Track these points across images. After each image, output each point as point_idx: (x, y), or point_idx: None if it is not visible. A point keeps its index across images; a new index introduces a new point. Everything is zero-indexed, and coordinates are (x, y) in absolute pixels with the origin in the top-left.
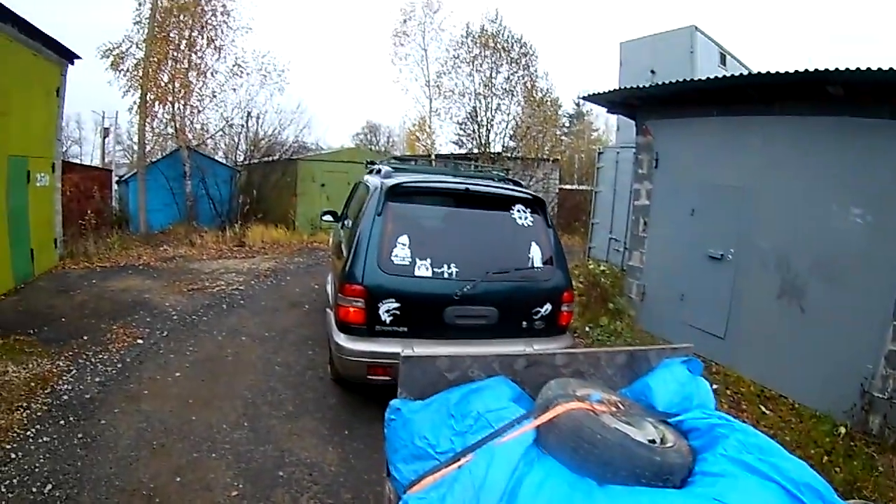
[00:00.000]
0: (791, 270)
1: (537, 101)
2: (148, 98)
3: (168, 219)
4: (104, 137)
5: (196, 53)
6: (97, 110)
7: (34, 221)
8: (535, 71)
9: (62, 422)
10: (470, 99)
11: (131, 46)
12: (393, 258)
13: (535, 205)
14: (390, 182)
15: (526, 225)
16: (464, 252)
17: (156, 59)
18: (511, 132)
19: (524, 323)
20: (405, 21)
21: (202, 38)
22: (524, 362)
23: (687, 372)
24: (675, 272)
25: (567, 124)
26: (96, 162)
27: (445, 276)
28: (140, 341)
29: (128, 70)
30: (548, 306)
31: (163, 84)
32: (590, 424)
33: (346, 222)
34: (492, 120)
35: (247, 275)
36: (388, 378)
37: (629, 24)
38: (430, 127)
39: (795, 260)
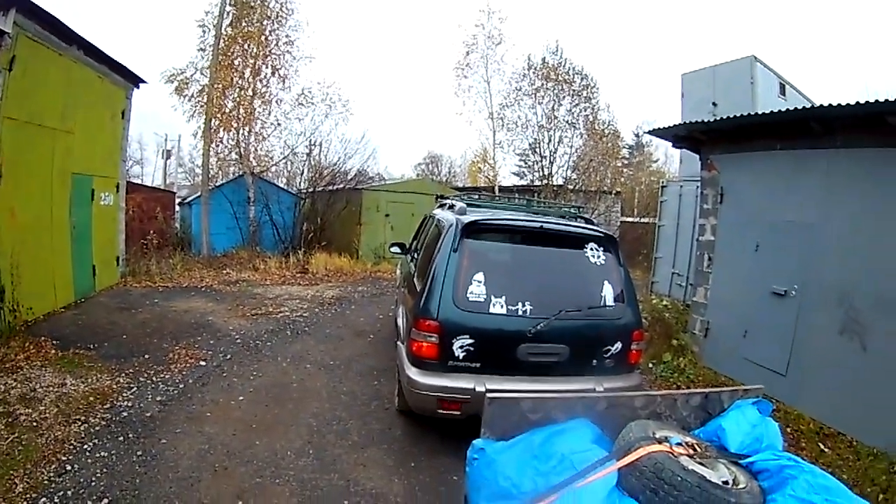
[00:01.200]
0: (853, 307)
1: (599, 134)
2: (212, 124)
3: (231, 243)
4: (166, 159)
5: (261, 81)
6: (160, 132)
7: (97, 239)
8: (597, 103)
9: (121, 438)
10: (532, 131)
11: (196, 73)
12: (468, 295)
13: (608, 243)
14: (466, 219)
15: (598, 263)
16: (538, 289)
17: (220, 86)
18: (573, 164)
19: (594, 361)
20: (468, 54)
21: (266, 67)
22: (605, 404)
23: (758, 413)
24: (738, 308)
25: (626, 155)
26: (157, 183)
27: (519, 313)
28: (203, 363)
29: (192, 96)
30: (618, 345)
31: (227, 111)
32: (670, 466)
33: (415, 255)
34: (554, 152)
35: (311, 302)
36: (458, 413)
37: (689, 54)
38: (493, 158)
39: (858, 296)
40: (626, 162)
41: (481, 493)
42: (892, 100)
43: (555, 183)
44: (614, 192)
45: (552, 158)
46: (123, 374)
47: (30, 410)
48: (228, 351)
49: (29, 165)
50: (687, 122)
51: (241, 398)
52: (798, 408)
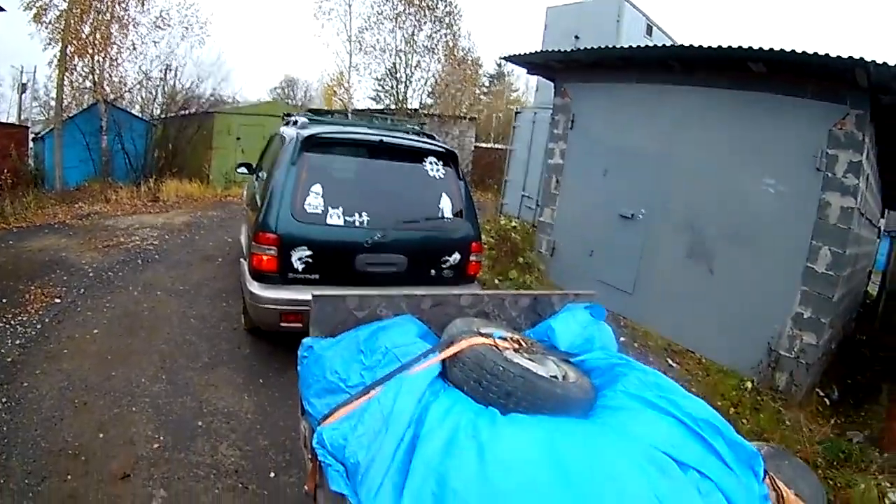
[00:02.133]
0: (701, 233)
1: (458, 60)
2: (68, 51)
3: (84, 175)
4: (21, 93)
5: (120, 5)
6: (16, 65)
7: None
8: (459, 30)
9: None
10: (391, 55)
11: None
12: (306, 207)
13: (447, 157)
14: (306, 133)
15: (437, 177)
16: (376, 202)
17: (79, 10)
18: (430, 89)
19: (433, 271)
20: None
21: None
22: (430, 302)
23: (589, 316)
24: (585, 229)
25: (487, 84)
26: (13, 119)
27: (357, 224)
28: (58, 300)
29: (50, 22)
30: (456, 256)
31: (84, 36)
32: (492, 358)
33: (260, 174)
34: (411, 76)
35: (161, 229)
36: (300, 325)
37: None
38: (348, 82)
39: (706, 224)
40: (486, 90)
41: (311, 389)
42: (759, 48)
43: (410, 107)
44: (469, 117)
45: (408, 83)
46: None
47: None
48: (82, 285)
49: None
50: (546, 49)
51: (95, 331)
52: (646, 326)
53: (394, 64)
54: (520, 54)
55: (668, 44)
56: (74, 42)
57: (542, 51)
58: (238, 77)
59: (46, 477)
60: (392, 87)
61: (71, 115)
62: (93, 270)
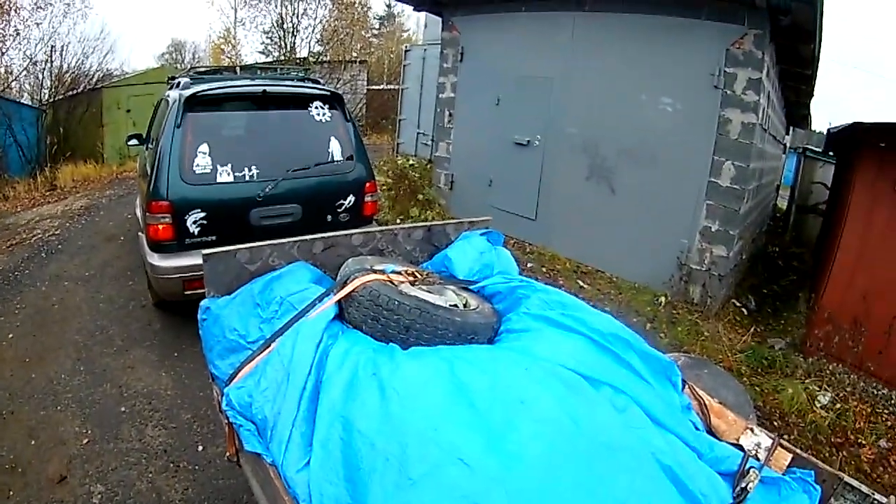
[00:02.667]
0: (600, 155)
1: (345, 4)
2: None
3: None
4: None
5: None
6: None
7: None
8: None
9: None
10: (276, 6)
11: None
12: (195, 168)
13: (333, 100)
14: (187, 93)
15: (324, 121)
16: (265, 153)
17: None
18: (318, 37)
19: (329, 217)
20: None
21: None
22: (322, 245)
23: (486, 242)
24: (482, 160)
25: (377, 27)
26: None
27: (247, 178)
28: None
29: None
30: (351, 198)
31: None
32: (387, 293)
33: (150, 143)
34: (297, 25)
35: (61, 218)
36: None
37: None
38: (235, 38)
39: (604, 145)
40: (376, 32)
41: (214, 351)
42: None
43: (299, 56)
44: (359, 61)
45: (294, 32)
46: None
47: None
48: None
49: None
50: None
51: (10, 335)
52: (553, 249)
53: (280, 14)
54: None
55: None
56: None
57: None
58: (124, 47)
59: None
60: (280, 39)
61: None
62: None
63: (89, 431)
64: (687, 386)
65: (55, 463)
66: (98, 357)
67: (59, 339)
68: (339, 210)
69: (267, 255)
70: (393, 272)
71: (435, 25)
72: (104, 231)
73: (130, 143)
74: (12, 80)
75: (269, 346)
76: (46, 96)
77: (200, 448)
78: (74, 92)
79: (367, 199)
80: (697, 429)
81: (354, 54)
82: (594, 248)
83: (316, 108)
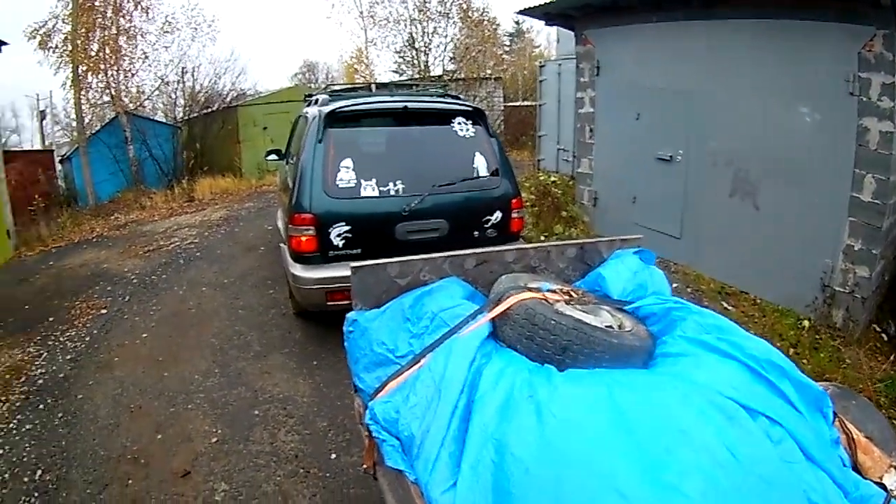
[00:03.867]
0: (742, 170)
1: (474, 21)
2: (80, 70)
3: (116, 187)
4: (41, 120)
5: (124, 17)
6: (30, 94)
7: None
8: None
9: (41, 406)
10: (405, 26)
11: (57, 22)
12: (338, 182)
13: (475, 116)
14: (327, 109)
15: (468, 136)
16: (409, 168)
17: (84, 31)
18: (450, 55)
19: (476, 232)
20: None
21: (128, 2)
22: (474, 261)
23: (639, 261)
24: (625, 176)
25: (508, 43)
26: (37, 146)
27: (392, 193)
28: (104, 311)
29: (56, 46)
30: (498, 214)
31: (93, 54)
32: (543, 312)
33: (290, 158)
34: (429, 44)
35: (199, 227)
36: (347, 302)
37: None
38: (367, 58)
39: (745, 159)
40: (507, 49)
41: (360, 364)
42: None
43: (433, 74)
44: (494, 77)
45: (427, 50)
46: (32, 344)
47: None
48: (126, 293)
49: None
50: None
51: (144, 335)
52: (697, 269)
53: (410, 34)
54: (534, 7)
55: None
56: (85, 61)
57: (552, 1)
58: (257, 68)
59: (108, 484)
60: (412, 58)
61: (94, 131)
62: (136, 277)
63: (219, 431)
64: (837, 418)
65: (180, 458)
66: (234, 361)
67: (195, 342)
68: (485, 226)
69: (418, 270)
70: (548, 290)
71: (568, 40)
72: (243, 241)
73: (269, 157)
74: (145, 99)
75: (419, 361)
76: (180, 114)
77: (333, 456)
78: (209, 110)
79: (514, 215)
80: (845, 465)
81: (488, 71)
82: (739, 268)
83: (459, 123)
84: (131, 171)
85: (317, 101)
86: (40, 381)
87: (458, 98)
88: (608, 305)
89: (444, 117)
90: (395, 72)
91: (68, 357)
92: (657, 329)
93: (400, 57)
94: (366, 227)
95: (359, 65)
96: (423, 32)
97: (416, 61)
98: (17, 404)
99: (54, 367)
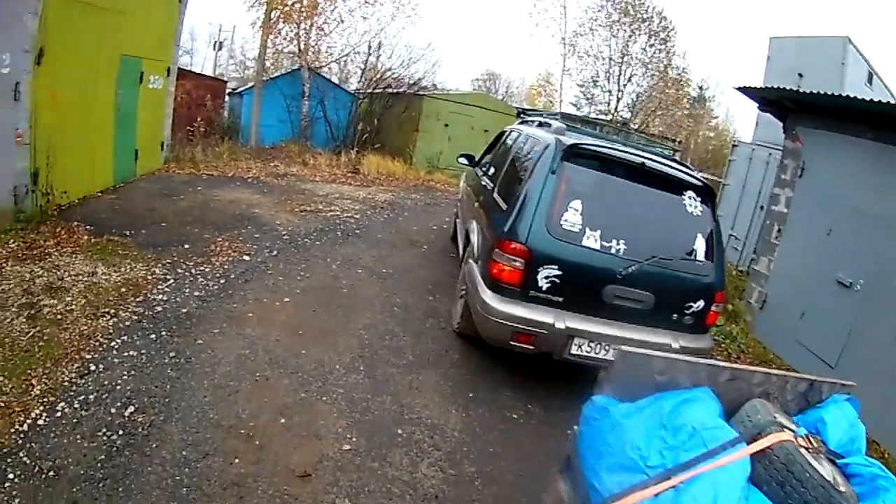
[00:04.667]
0: None
1: (672, 80)
2: (272, 15)
3: (280, 135)
4: (217, 50)
5: None
6: (212, 23)
7: (143, 122)
8: (674, 47)
9: (153, 335)
10: (603, 64)
11: None
12: (563, 222)
13: (706, 195)
14: (568, 141)
15: (695, 214)
16: (633, 230)
17: None
18: (634, 104)
19: (675, 315)
20: None
21: None
22: (728, 375)
23: (854, 412)
24: (799, 288)
25: (687, 106)
26: (208, 73)
27: (613, 251)
28: (246, 258)
29: None
30: (700, 303)
31: (289, 2)
32: (800, 460)
33: (489, 169)
34: (623, 87)
35: (362, 204)
36: (530, 347)
37: (769, 17)
38: (561, 85)
39: None
40: (686, 112)
41: (603, 460)
42: None
43: (620, 118)
44: (677, 140)
45: (620, 95)
46: (160, 265)
47: (55, 301)
48: (274, 247)
49: (75, 45)
50: (780, 86)
51: (286, 300)
52: None
53: (607, 72)
54: (753, 87)
55: (887, 96)
56: (279, 6)
57: (774, 87)
58: (443, 65)
59: (209, 454)
60: (593, 97)
61: (273, 75)
62: (287, 233)
63: (353, 439)
64: None
65: (302, 454)
66: (383, 363)
67: (342, 326)
68: (685, 311)
69: (678, 371)
70: (802, 435)
71: (768, 127)
72: (407, 234)
73: (461, 160)
74: (332, 62)
75: (670, 478)
76: (362, 86)
77: None
78: (396, 91)
79: (714, 308)
80: None
81: (661, 128)
82: (885, 420)
83: (689, 198)
84: (301, 124)
85: (547, 125)
86: (158, 309)
87: (687, 166)
88: (826, 457)
89: (677, 187)
90: (574, 104)
91: (196, 294)
92: (860, 491)
93: (581, 91)
94: (577, 278)
95: (545, 87)
96: (621, 74)
97: (597, 100)
98: (127, 324)
99: (178, 299)
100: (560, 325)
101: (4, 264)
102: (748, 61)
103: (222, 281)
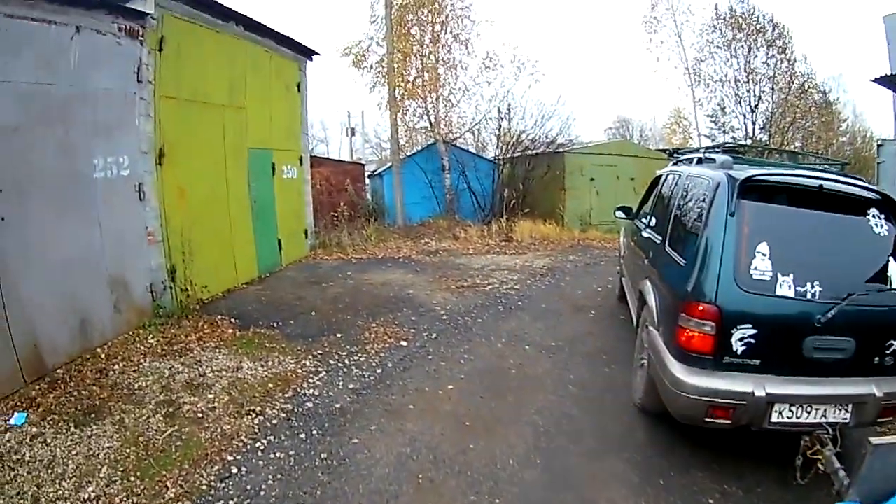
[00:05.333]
0: None
1: (799, 88)
2: (397, 93)
3: (426, 212)
4: (351, 136)
5: (442, 48)
6: (341, 111)
7: (282, 212)
8: (793, 54)
9: (302, 434)
10: (729, 86)
11: (371, 44)
12: (752, 272)
13: (889, 208)
14: (740, 175)
15: (883, 234)
16: (825, 266)
17: (400, 55)
18: (765, 123)
19: (876, 359)
20: (653, 7)
21: (446, 33)
22: None
23: None
24: None
25: (815, 115)
26: (345, 159)
27: (809, 296)
28: (404, 343)
29: (371, 66)
30: None
31: (411, 79)
32: None
33: (649, 219)
34: (755, 108)
35: (520, 273)
36: (727, 422)
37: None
38: (695, 116)
39: None
40: (819, 121)
41: None
42: None
43: (760, 142)
44: (822, 155)
45: (754, 117)
46: (310, 357)
47: (195, 399)
48: (433, 329)
49: (197, 143)
50: None
51: (450, 387)
52: None
53: (735, 95)
54: (892, 76)
55: None
56: (402, 84)
57: None
58: (576, 119)
59: None
60: (724, 124)
61: (409, 153)
62: (445, 312)
63: None
64: None
65: None
66: (561, 452)
67: (513, 413)
68: (886, 351)
69: None
70: None
71: None
72: (571, 299)
73: (618, 214)
74: (465, 131)
75: None
76: (500, 151)
77: None
78: (532, 152)
79: None
80: None
81: (798, 144)
82: None
83: (874, 216)
84: (446, 198)
85: (709, 160)
86: (309, 405)
87: (862, 180)
88: None
89: (859, 206)
90: (707, 136)
91: (351, 386)
92: None
93: (712, 121)
94: (775, 334)
95: (676, 125)
96: (750, 94)
97: (727, 127)
98: (274, 422)
99: (331, 393)
100: (760, 392)
101: (143, 360)
102: (863, 50)
103: (379, 370)
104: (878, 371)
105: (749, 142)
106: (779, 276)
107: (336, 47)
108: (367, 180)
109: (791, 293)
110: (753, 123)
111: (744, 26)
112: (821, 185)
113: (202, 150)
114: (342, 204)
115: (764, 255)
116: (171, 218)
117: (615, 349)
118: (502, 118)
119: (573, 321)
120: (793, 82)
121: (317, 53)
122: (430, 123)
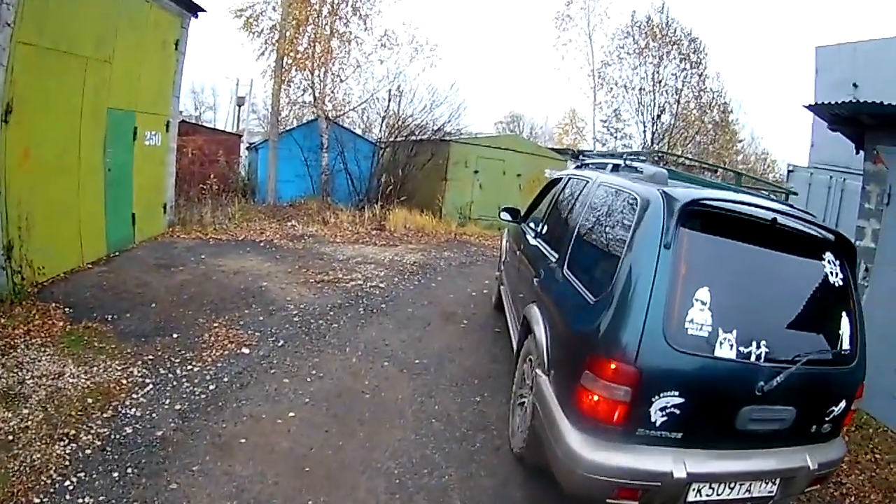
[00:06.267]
0: None
1: (706, 104)
2: (284, 62)
3: (299, 191)
4: (238, 106)
5: (340, 20)
6: (230, 77)
7: (140, 183)
8: (705, 69)
9: (115, 473)
10: (633, 94)
11: (266, 7)
12: (687, 325)
13: (843, 252)
14: (682, 195)
15: (837, 284)
16: (773, 321)
17: (294, 22)
18: (661, 134)
19: (813, 427)
20: (568, 4)
21: (346, 5)
22: None
23: None
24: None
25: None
26: (230, 129)
27: (753, 358)
28: (245, 350)
29: (262, 32)
30: (842, 404)
31: (301, 49)
32: None
33: (542, 229)
34: (657, 118)
35: (388, 268)
36: (635, 503)
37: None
38: (593, 120)
39: None
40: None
41: None
42: None
43: (657, 150)
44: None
45: (654, 127)
46: (139, 363)
47: (9, 415)
48: (281, 334)
49: (51, 98)
50: (859, 100)
51: (290, 414)
52: None
53: (638, 102)
54: (824, 104)
55: None
56: (291, 53)
57: (849, 101)
58: (467, 108)
59: None
60: (616, 130)
61: (289, 127)
62: (298, 314)
63: None
64: None
65: None
66: None
67: (363, 456)
68: (826, 419)
69: None
70: None
71: (826, 147)
72: (442, 304)
73: (503, 215)
74: (350, 110)
75: None
76: (384, 134)
77: None
78: (419, 138)
79: (853, 405)
80: None
81: (689, 155)
82: None
83: (829, 262)
84: (321, 179)
85: (617, 167)
86: (128, 430)
87: (809, 214)
88: None
89: (814, 248)
90: (598, 140)
91: (177, 407)
92: None
93: (605, 126)
94: (705, 403)
95: (570, 126)
96: (653, 104)
97: (620, 134)
98: (88, 452)
99: (154, 416)
100: (680, 473)
101: None
102: (779, 77)
103: (212, 386)
104: (812, 438)
105: (656, 149)
106: (720, 332)
107: (228, 7)
108: (245, 153)
109: (732, 354)
110: (653, 133)
111: (659, 36)
112: (774, 219)
113: (56, 107)
114: (212, 176)
115: (704, 303)
116: (11, 185)
117: (488, 372)
118: (391, 100)
119: (442, 332)
120: (700, 97)
121: (202, 10)
122: (315, 98)
